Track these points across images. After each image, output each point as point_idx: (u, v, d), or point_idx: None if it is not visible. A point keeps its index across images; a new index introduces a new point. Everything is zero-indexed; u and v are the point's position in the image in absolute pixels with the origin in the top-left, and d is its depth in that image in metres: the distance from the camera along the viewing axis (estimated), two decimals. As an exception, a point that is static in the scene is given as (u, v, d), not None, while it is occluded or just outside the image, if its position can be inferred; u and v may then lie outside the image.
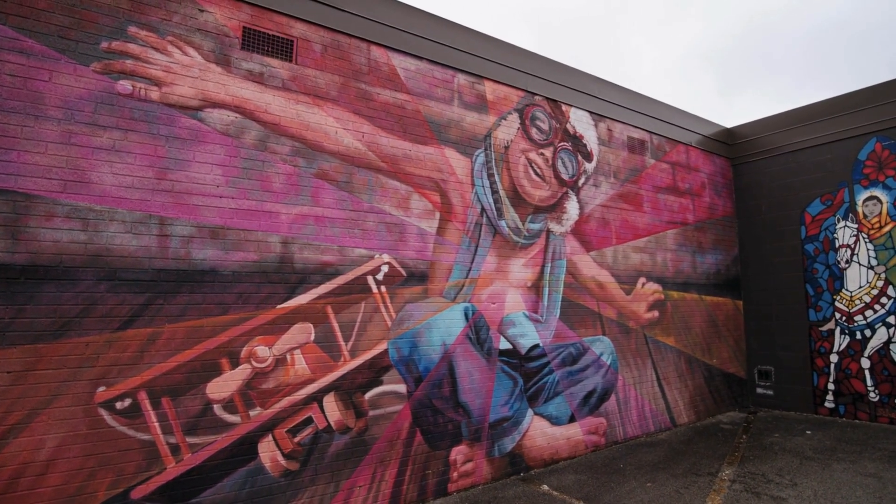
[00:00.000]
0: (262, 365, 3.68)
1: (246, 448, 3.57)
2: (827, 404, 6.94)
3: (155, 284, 3.35)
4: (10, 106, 3.01)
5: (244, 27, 3.89)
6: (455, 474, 4.55)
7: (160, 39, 3.53)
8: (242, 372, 3.60)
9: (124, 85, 3.36)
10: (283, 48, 4.05)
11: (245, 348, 3.63)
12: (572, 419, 5.54)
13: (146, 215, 3.36)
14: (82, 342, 3.10)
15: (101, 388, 3.13)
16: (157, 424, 3.27)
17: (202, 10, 3.72)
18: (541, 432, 5.22)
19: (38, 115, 3.09)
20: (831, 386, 6.90)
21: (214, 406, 3.48)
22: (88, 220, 3.18)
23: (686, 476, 4.82)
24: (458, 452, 4.59)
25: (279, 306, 3.81)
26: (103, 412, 3.12)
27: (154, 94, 3.46)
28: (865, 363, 6.59)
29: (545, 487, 4.63)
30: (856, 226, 6.81)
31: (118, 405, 3.17)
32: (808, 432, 6.20)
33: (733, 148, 8.37)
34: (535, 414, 5.23)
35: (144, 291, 3.31)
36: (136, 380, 3.24)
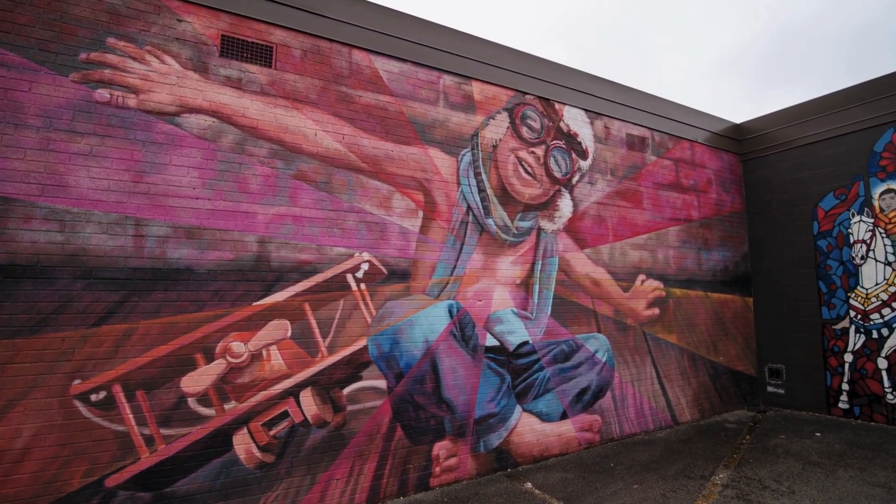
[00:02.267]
0: (238, 360, 3.53)
1: (220, 440, 3.43)
2: (841, 405, 6.21)
3: (130, 283, 3.25)
4: (-10, 115, 2.97)
5: (223, 35, 3.75)
6: (438, 469, 4.27)
7: (138, 49, 3.43)
8: (217, 367, 3.46)
9: (102, 93, 3.28)
10: (261, 54, 3.89)
11: (220, 344, 3.49)
12: (564, 416, 5.14)
13: (122, 217, 3.26)
14: (58, 337, 3.03)
15: (77, 381, 3.05)
16: (131, 416, 3.17)
17: (180, 21, 3.60)
18: (529, 429, 4.87)
19: (17, 124, 3.04)
20: (845, 386, 6.16)
21: (189, 399, 3.35)
22: (65, 222, 3.11)
23: (676, 478, 4.36)
24: (440, 448, 4.31)
25: (255, 303, 3.65)
26: (78, 404, 3.04)
27: (131, 101, 3.37)
28: (882, 363, 5.83)
29: (528, 485, 4.29)
30: (872, 220, 6.04)
31: (93, 397, 3.08)
32: (818, 434, 5.54)
33: (742, 144, 7.67)
34: (524, 411, 4.87)
35: (119, 289, 3.22)
36: (110, 373, 3.14)
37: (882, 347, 5.85)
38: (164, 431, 3.26)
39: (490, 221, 4.91)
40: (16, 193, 3.00)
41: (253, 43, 3.86)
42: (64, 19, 3.23)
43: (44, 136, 3.10)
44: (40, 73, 3.13)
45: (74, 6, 3.27)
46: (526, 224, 5.18)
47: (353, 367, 4.00)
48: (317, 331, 3.87)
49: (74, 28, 3.25)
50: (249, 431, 3.53)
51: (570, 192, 5.58)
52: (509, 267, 5.00)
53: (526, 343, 4.99)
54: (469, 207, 4.78)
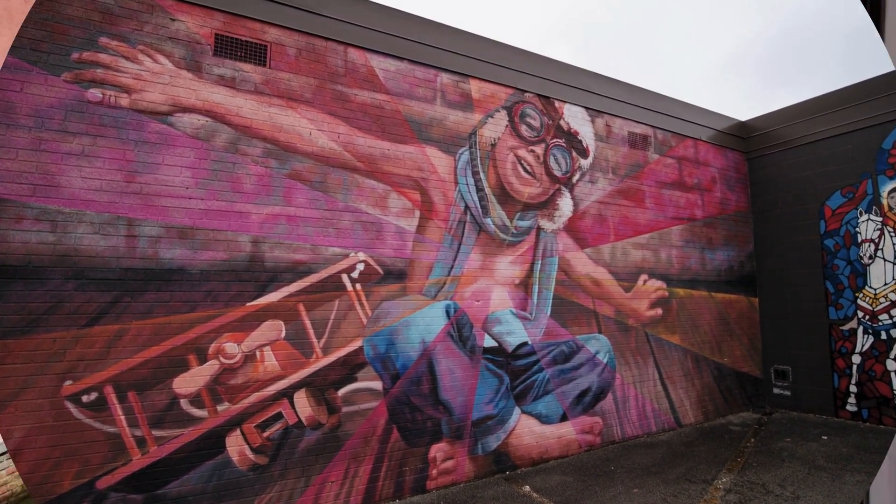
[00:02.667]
0: (231, 361, 3.50)
1: (213, 442, 3.39)
2: (849, 407, 6.07)
3: (122, 283, 3.23)
4: (-19, 115, 2.96)
5: (216, 34, 3.72)
6: (434, 472, 4.21)
7: (131, 49, 3.41)
8: (210, 368, 3.43)
9: (94, 93, 3.26)
10: (256, 53, 3.85)
11: (213, 345, 3.46)
12: (564, 418, 5.06)
13: (114, 217, 3.24)
14: (49, 338, 3.01)
15: (68, 382, 3.03)
16: (122, 417, 3.15)
17: (173, 20, 3.58)
18: (529, 431, 4.79)
19: (9, 124, 3.02)
20: (853, 388, 6.03)
21: (181, 400, 3.32)
22: (57, 222, 3.09)
23: (678, 482, 4.26)
24: (437, 450, 4.26)
25: (249, 304, 3.61)
26: (69, 405, 3.02)
27: (124, 100, 3.35)
28: (891, 365, 5.69)
29: (527, 488, 4.22)
30: (880, 219, 5.90)
31: (84, 398, 3.06)
32: (824, 437, 5.41)
33: (748, 141, 7.54)
34: (523, 412, 4.80)
35: (111, 290, 3.19)
36: (102, 374, 3.12)
37: (891, 349, 5.71)
38: (155, 433, 3.23)
39: (488, 221, 4.84)
40: (7, 193, 2.98)
41: (247, 42, 3.83)
42: (56, 19, 3.21)
43: (35, 136, 3.08)
44: (32, 73, 3.11)
45: (67, 6, 3.25)
46: (525, 223, 5.10)
47: (349, 368, 3.95)
48: (311, 331, 3.82)
49: (67, 28, 3.23)
50: (243, 433, 3.49)
51: (571, 191, 5.50)
52: (508, 267, 4.94)
53: (525, 344, 4.92)
54: (467, 207, 4.72)
